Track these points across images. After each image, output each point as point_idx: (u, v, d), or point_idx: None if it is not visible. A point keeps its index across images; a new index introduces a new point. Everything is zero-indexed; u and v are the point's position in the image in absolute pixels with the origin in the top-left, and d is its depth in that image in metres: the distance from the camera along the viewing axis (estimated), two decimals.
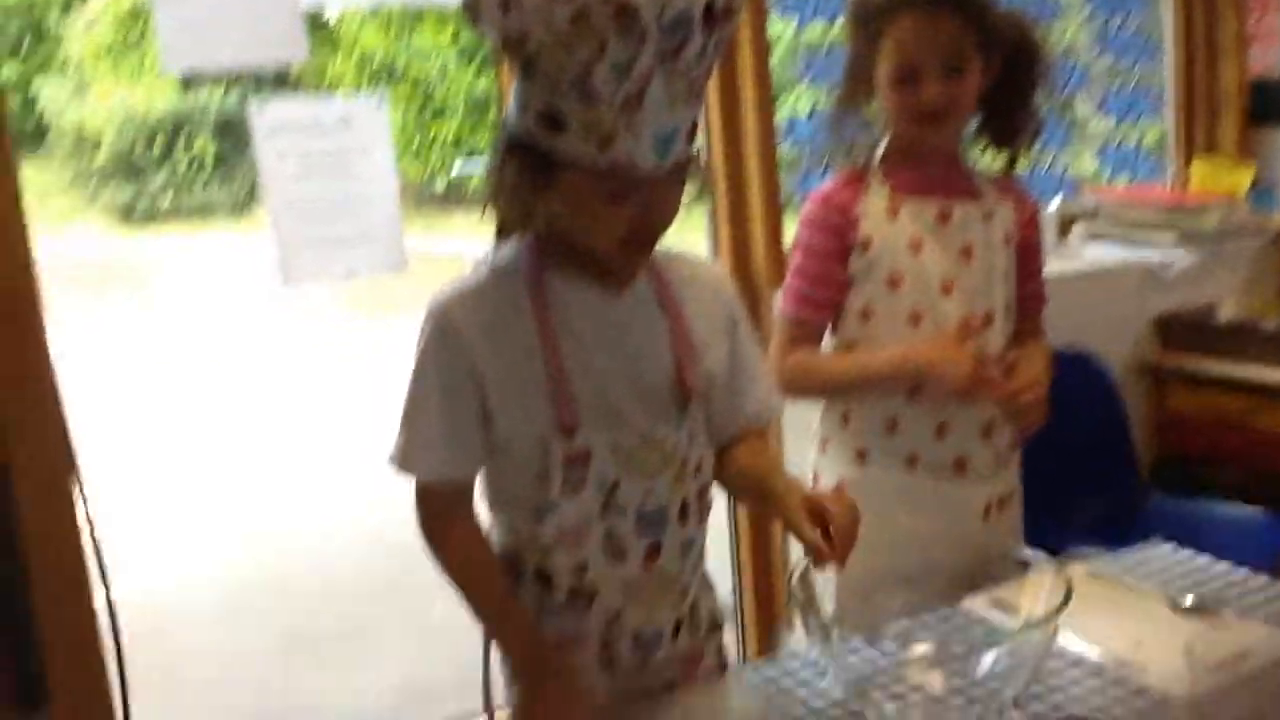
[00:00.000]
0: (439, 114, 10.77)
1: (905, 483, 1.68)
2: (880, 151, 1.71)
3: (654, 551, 1.27)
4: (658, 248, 1.25)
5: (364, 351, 6.34)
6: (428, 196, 10.56)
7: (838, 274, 1.68)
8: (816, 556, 1.17)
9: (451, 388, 1.21)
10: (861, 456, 1.71)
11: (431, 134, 10.72)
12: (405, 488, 1.28)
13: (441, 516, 1.28)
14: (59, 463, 1.79)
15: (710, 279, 1.36)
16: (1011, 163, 1.76)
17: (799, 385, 1.72)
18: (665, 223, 1.20)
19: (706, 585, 1.40)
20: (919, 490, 1.68)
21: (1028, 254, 1.77)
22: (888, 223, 1.67)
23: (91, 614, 1.83)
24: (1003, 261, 1.71)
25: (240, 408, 5.86)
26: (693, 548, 1.32)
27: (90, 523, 1.80)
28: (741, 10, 1.14)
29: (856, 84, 1.70)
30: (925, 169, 1.69)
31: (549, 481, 1.22)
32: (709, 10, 1.08)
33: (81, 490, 1.80)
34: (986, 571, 1.39)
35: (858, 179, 1.70)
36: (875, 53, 1.64)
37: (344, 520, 4.20)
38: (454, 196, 10.24)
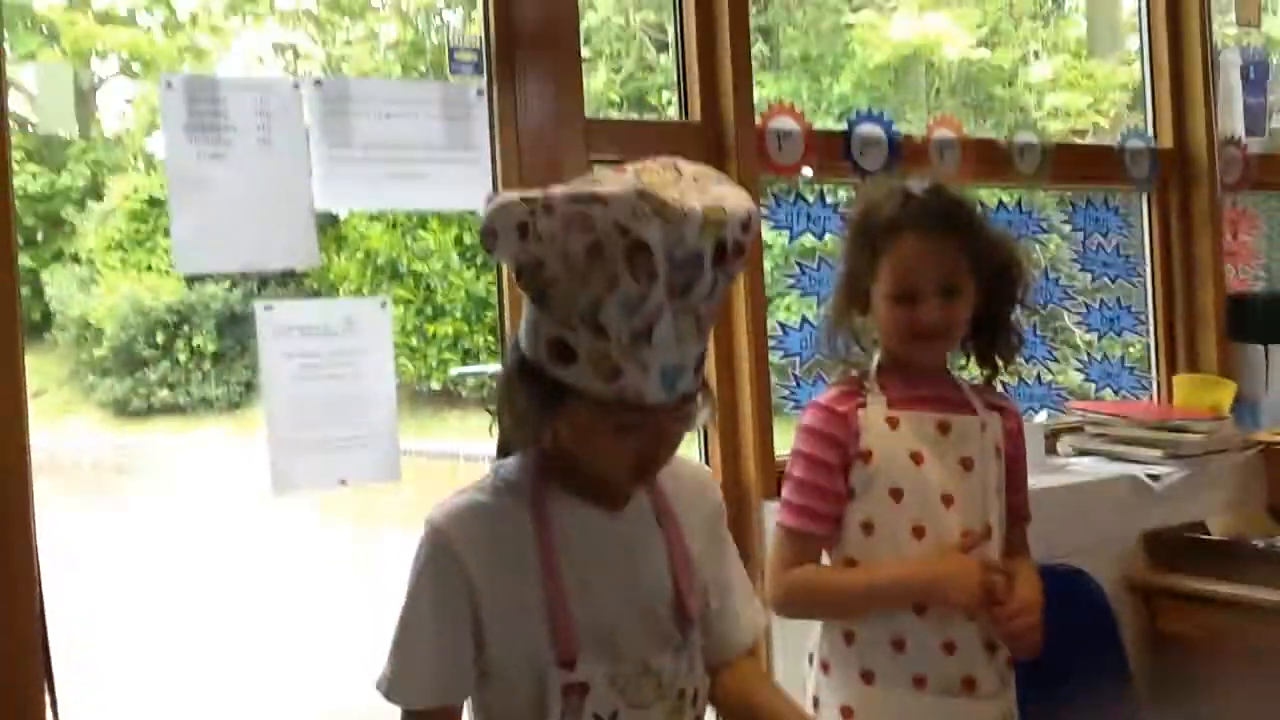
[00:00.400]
0: (438, 314, 10.96)
1: (915, 705, 1.64)
2: (875, 364, 1.74)
3: None
4: None
5: (348, 559, 6.25)
6: (423, 397, 10.64)
7: (839, 486, 1.68)
8: None
9: (446, 611, 1.20)
10: (868, 678, 1.67)
11: (430, 333, 10.88)
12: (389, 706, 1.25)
13: None
14: (31, 667, 1.75)
15: (696, 480, 1.36)
16: (993, 375, 1.79)
17: (802, 603, 1.70)
18: (670, 450, 1.21)
19: None
20: (928, 713, 1.64)
21: (1013, 466, 1.78)
22: (889, 434, 1.68)
23: None
24: (996, 473, 1.73)
25: (221, 618, 5.74)
26: None
27: None
28: (750, 248, 1.16)
29: (852, 298, 1.74)
30: (919, 382, 1.72)
31: (546, 714, 1.19)
32: (720, 249, 1.10)
33: (53, 698, 1.75)
34: None
35: (855, 390, 1.72)
36: (874, 269, 1.68)
37: None
38: (448, 397, 10.32)
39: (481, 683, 1.23)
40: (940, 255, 1.65)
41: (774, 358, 2.57)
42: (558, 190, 1.10)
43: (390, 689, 1.22)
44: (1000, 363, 1.77)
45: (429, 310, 10.92)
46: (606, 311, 1.08)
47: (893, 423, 1.69)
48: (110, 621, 5.60)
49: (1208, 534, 2.81)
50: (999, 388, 1.84)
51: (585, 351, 1.11)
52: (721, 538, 1.35)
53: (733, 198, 1.12)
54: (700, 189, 1.11)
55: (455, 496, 1.25)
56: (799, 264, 2.62)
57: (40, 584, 1.77)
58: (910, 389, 1.72)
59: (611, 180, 1.10)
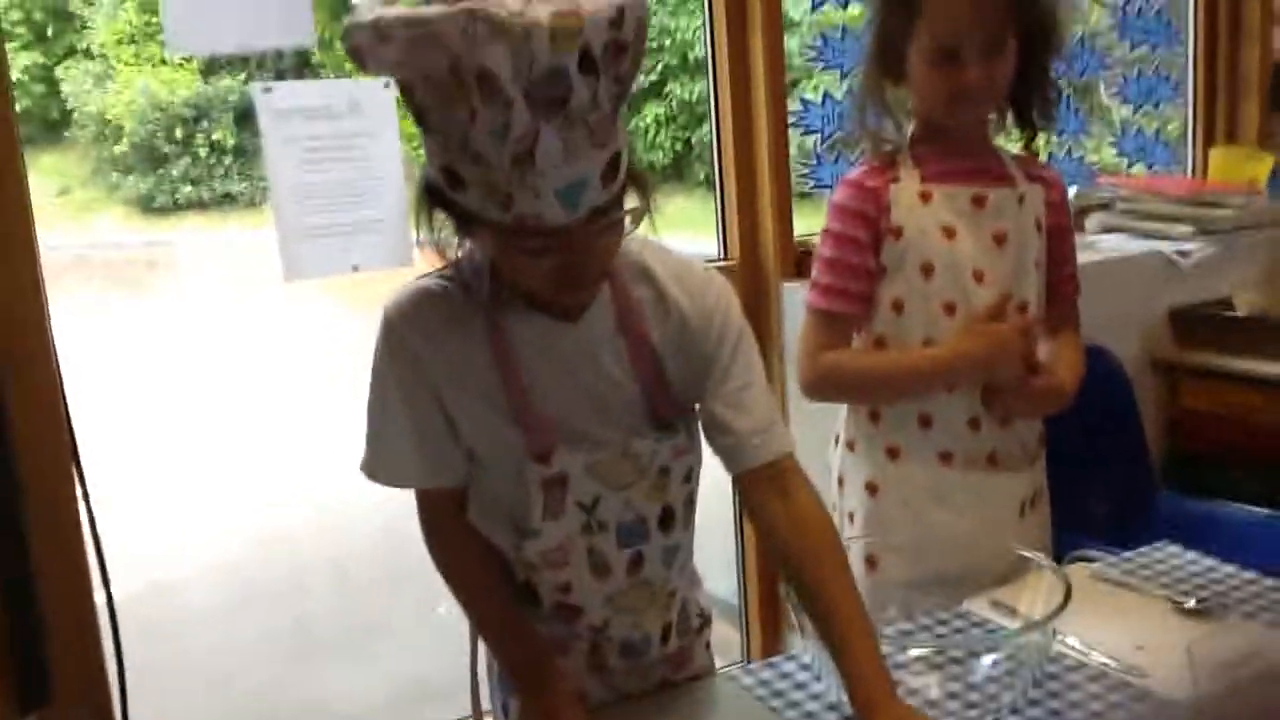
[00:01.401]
0: None
1: (940, 478, 1.65)
2: (909, 135, 1.67)
3: (637, 562, 1.25)
4: (632, 257, 1.19)
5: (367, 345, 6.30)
6: None
7: (869, 264, 1.63)
8: None
9: (411, 395, 1.17)
10: (894, 454, 1.67)
11: None
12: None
13: (435, 522, 1.26)
14: (60, 457, 1.79)
15: (682, 285, 1.21)
16: (1031, 139, 1.70)
17: (836, 386, 1.67)
18: (599, 263, 1.11)
19: (694, 582, 1.38)
20: (954, 486, 1.64)
21: (1059, 237, 1.71)
22: (921, 209, 1.62)
23: (92, 611, 1.83)
24: (1035, 247, 1.67)
25: (249, 401, 5.86)
26: (677, 553, 1.29)
27: (91, 518, 1.79)
28: (642, 39, 1.02)
29: (884, 64, 1.63)
30: (955, 153, 1.65)
31: (529, 507, 1.18)
32: (585, 58, 0.97)
33: (83, 484, 1.80)
34: (1022, 573, 1.35)
35: (887, 165, 1.65)
36: (910, 29, 1.58)
37: (353, 514, 4.19)
38: None
39: (473, 471, 1.22)
40: (983, 8, 1.54)
41: (795, 136, 2.49)
42: (390, 13, 0.97)
43: (373, 471, 1.22)
44: (1039, 122, 1.69)
45: None
46: (478, 140, 0.98)
47: (925, 197, 1.62)
48: (142, 412, 5.74)
49: (1234, 311, 2.78)
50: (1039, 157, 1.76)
51: (472, 180, 1.01)
52: (715, 343, 1.20)
53: None
54: None
55: (411, 285, 1.19)
56: (822, 35, 2.51)
57: (61, 380, 1.80)
58: (947, 161, 1.64)
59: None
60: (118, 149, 11.00)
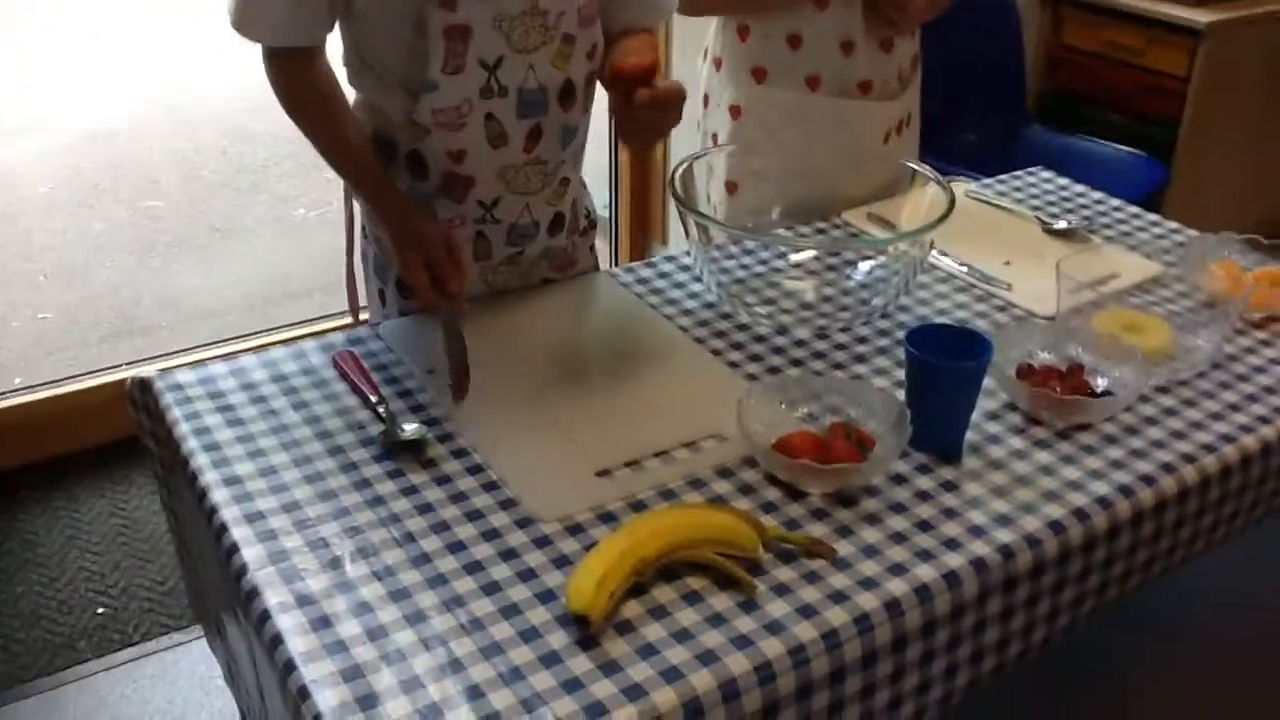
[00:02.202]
0: None
1: (805, 104, 1.57)
2: None
3: (534, 136, 1.20)
4: None
5: None
6: None
7: None
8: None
9: None
10: (759, 76, 1.58)
11: None
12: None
13: (290, 77, 1.17)
14: None
15: None
16: None
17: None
18: None
19: (583, 187, 1.35)
20: (819, 112, 1.57)
21: None
22: None
23: None
24: None
25: None
26: (574, 137, 1.25)
27: None
28: None
29: None
30: None
31: (428, 58, 1.11)
32: None
33: None
34: (903, 186, 1.34)
35: None
36: None
37: (206, 114, 3.96)
38: None
39: (353, 26, 1.15)
40: None
41: None
42: None
43: (239, 23, 1.12)
44: None
45: None
46: None
47: None
48: None
49: None
50: None
51: None
52: None
53: None
54: None
55: None
56: None
57: None
58: None
59: None
60: None
